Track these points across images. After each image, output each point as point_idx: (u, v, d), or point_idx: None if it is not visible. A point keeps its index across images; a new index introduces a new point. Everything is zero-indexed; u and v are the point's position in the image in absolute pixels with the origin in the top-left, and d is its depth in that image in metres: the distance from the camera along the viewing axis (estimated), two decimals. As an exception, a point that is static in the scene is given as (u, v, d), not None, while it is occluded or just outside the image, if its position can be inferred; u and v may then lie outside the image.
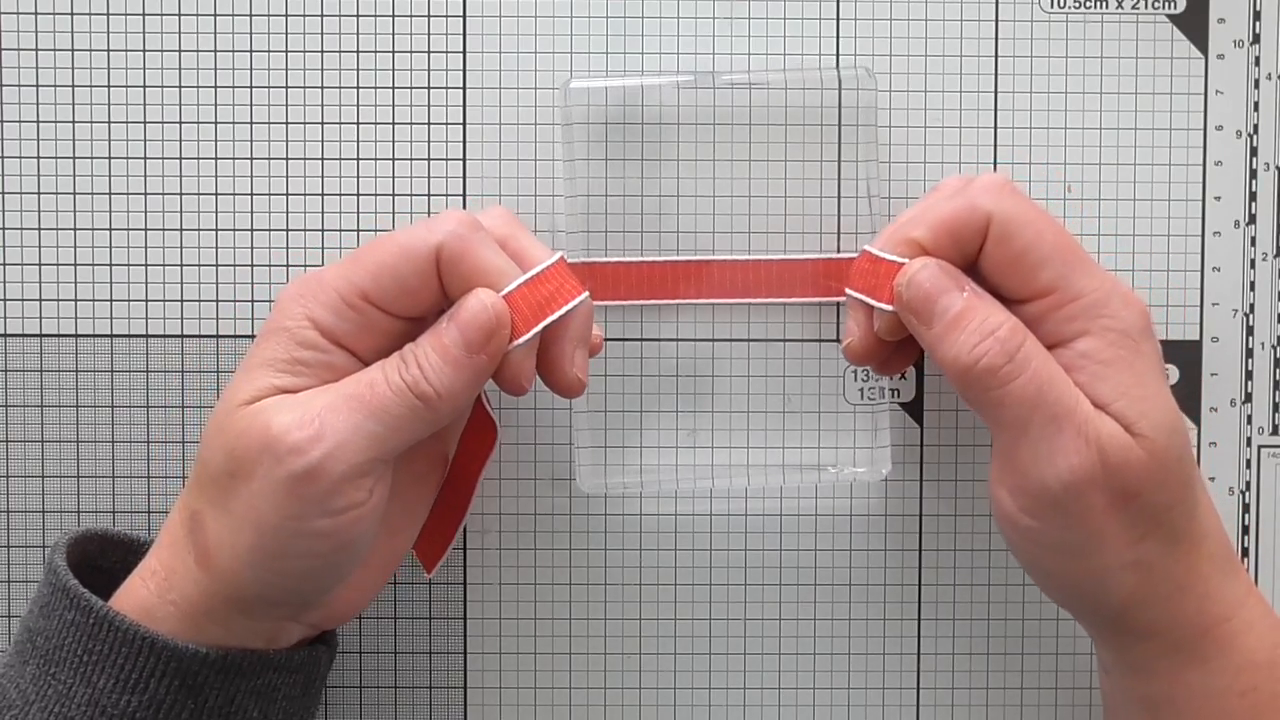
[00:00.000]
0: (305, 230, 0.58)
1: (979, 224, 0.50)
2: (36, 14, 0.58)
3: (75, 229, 0.58)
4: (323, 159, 0.58)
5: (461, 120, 0.58)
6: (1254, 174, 0.59)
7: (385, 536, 0.52)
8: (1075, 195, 0.59)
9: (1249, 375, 0.59)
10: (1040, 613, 0.59)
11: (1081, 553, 0.50)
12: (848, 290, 0.54)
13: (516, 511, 0.59)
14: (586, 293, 0.51)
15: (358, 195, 0.58)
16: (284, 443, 0.47)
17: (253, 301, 0.58)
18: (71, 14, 0.58)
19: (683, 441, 0.58)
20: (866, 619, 0.59)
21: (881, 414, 0.58)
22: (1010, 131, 0.58)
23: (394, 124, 0.58)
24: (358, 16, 0.58)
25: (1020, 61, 0.58)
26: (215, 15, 0.58)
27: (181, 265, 0.58)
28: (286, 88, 0.58)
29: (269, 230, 0.58)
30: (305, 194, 0.58)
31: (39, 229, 0.58)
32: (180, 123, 0.58)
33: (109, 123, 0.58)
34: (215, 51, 0.58)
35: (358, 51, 0.58)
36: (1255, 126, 0.59)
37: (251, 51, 0.58)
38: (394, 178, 0.58)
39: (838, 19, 0.58)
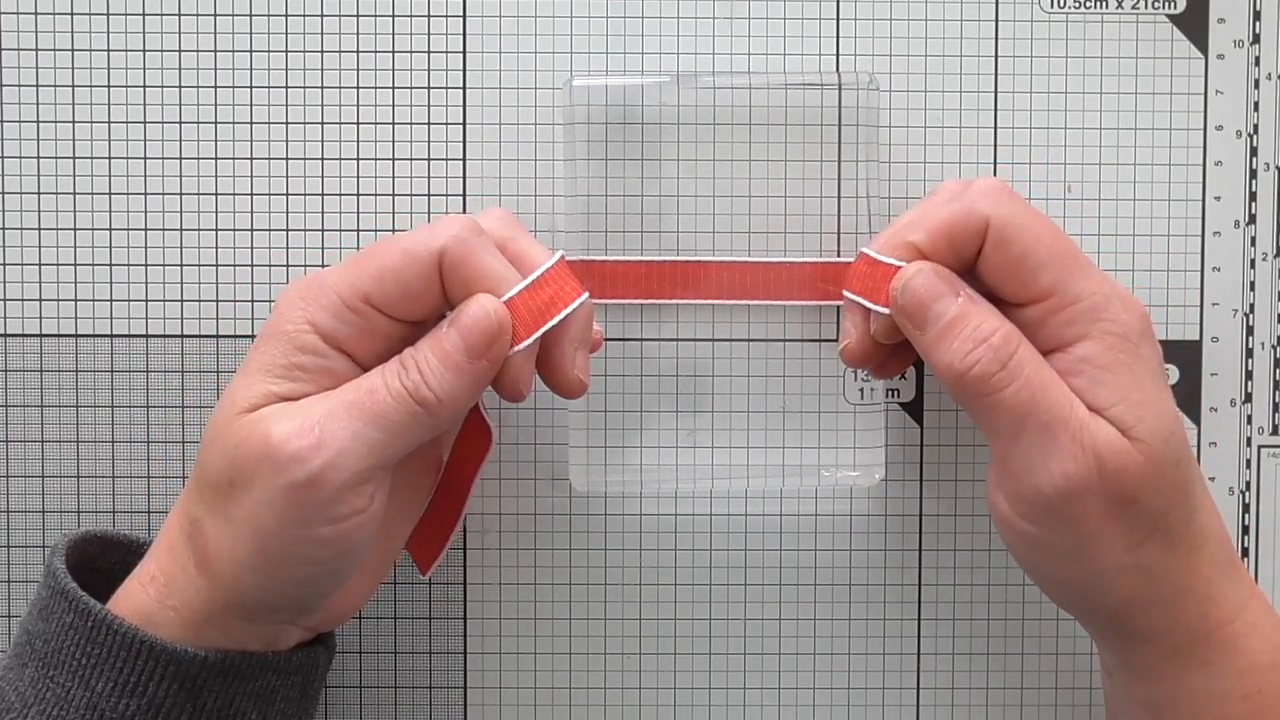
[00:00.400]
0: (305, 230, 0.58)
1: (977, 228, 0.50)
2: (36, 14, 0.58)
3: (75, 229, 0.58)
4: (323, 159, 0.58)
5: (461, 120, 0.58)
6: (1254, 174, 0.59)
7: (381, 539, 0.52)
8: (1075, 195, 0.58)
9: (1249, 375, 0.59)
10: (1040, 613, 0.59)
11: (1079, 557, 0.50)
12: (845, 293, 0.54)
13: (516, 511, 0.59)
14: (586, 293, 0.51)
15: (358, 195, 0.58)
16: (284, 451, 0.47)
17: (253, 302, 0.58)
18: (71, 14, 0.58)
19: (681, 442, 0.58)
20: (866, 619, 0.59)
21: (878, 418, 0.58)
22: (1010, 132, 0.58)
23: (394, 124, 0.58)
24: (358, 16, 0.58)
25: (1020, 62, 0.58)
26: (215, 15, 0.58)
27: (181, 265, 0.58)
28: (286, 88, 0.58)
29: (269, 230, 0.58)
30: (305, 194, 0.58)
31: (39, 229, 0.58)
32: (180, 123, 0.58)
33: (109, 123, 0.58)
34: (215, 51, 0.58)
35: (358, 51, 0.58)
36: (1255, 126, 0.59)
37: (251, 51, 0.58)
38: (394, 178, 0.58)
39: (838, 19, 0.58)
